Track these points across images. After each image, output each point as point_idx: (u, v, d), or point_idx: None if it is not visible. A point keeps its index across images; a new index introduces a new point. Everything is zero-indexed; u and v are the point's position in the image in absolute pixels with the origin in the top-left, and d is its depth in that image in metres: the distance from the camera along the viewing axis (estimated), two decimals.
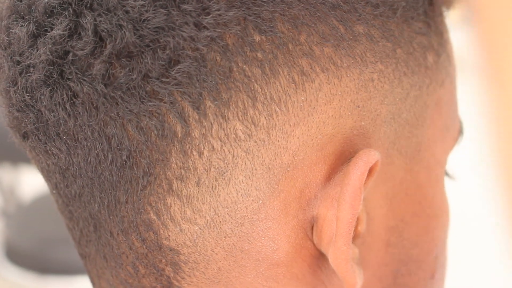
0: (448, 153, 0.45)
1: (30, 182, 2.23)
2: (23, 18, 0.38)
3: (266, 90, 0.36)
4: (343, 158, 0.38)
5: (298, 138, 0.37)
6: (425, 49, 0.41)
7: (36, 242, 1.92)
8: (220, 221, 0.37)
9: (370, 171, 0.38)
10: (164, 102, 0.35)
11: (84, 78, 0.36)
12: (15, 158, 1.96)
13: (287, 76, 0.36)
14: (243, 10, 0.35)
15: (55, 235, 1.84)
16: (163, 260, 0.39)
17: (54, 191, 0.41)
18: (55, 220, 1.68)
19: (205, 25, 0.35)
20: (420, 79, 0.41)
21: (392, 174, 0.41)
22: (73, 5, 0.36)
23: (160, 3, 0.35)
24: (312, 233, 0.38)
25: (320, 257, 0.39)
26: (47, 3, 0.37)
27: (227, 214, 0.37)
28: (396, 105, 0.40)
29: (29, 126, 0.39)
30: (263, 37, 0.36)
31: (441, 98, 0.43)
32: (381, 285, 0.42)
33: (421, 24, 0.41)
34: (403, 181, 0.41)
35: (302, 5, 0.36)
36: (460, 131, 0.46)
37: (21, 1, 0.39)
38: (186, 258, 0.38)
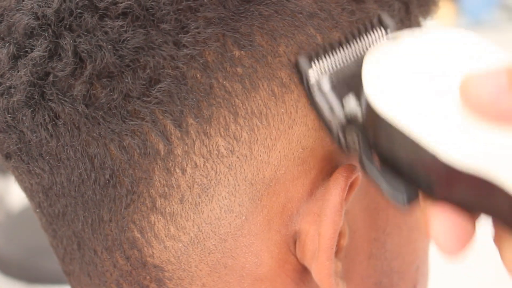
0: None
1: (19, 190, 2.22)
2: (3, 39, 0.38)
3: (247, 105, 0.36)
4: (324, 172, 0.38)
5: (279, 152, 0.37)
6: None
7: (24, 252, 1.91)
8: (203, 238, 0.37)
9: (351, 185, 0.38)
10: (146, 121, 0.36)
11: (65, 99, 0.36)
12: (3, 167, 1.96)
13: (267, 89, 0.36)
14: (222, 27, 0.36)
15: (43, 244, 1.82)
16: (148, 277, 0.39)
17: (37, 210, 0.41)
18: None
19: (184, 43, 0.35)
20: None
21: (373, 187, 0.41)
22: (53, 26, 0.36)
23: (139, 23, 0.35)
24: (295, 248, 0.39)
25: (303, 272, 0.39)
26: (27, 24, 0.37)
27: (211, 230, 0.37)
28: None
29: (11, 146, 0.39)
30: (242, 52, 0.36)
31: None
32: None
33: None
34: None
35: (280, 16, 0.37)
36: None
37: (0, 23, 0.39)
38: (170, 274, 0.38)
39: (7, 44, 0.38)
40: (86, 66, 0.36)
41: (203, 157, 0.36)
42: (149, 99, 0.35)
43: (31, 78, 0.36)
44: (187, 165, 0.36)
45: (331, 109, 0.36)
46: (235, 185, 0.37)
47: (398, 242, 0.43)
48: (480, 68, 0.32)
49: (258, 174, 0.37)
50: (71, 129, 0.36)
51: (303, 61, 0.37)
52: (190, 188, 0.37)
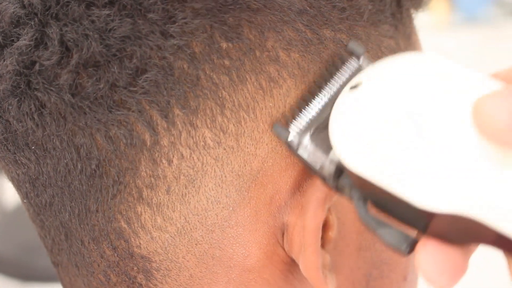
0: None
1: (14, 189, 2.22)
2: None
3: (234, 97, 0.36)
4: None
5: (267, 144, 0.37)
6: (393, 52, 0.41)
7: (19, 250, 1.91)
8: (190, 229, 0.37)
9: None
10: (132, 111, 0.35)
11: (51, 88, 0.36)
12: None
13: (255, 83, 0.36)
14: (209, 18, 0.35)
15: (38, 242, 1.83)
16: (135, 268, 0.39)
17: (25, 200, 0.41)
18: None
19: (172, 33, 0.35)
20: None
21: None
22: (39, 15, 0.36)
23: (126, 12, 0.35)
24: (283, 240, 0.39)
25: (291, 263, 0.39)
26: (13, 13, 0.37)
27: (198, 221, 0.37)
28: None
29: None
30: (229, 44, 0.36)
31: None
32: None
33: (388, 27, 0.41)
34: None
35: (269, 10, 0.36)
36: None
37: None
38: (157, 265, 0.38)
39: None
40: (72, 55, 0.35)
41: (190, 148, 0.36)
42: (135, 89, 0.35)
43: (17, 67, 0.36)
44: (173, 156, 0.36)
45: (322, 166, 0.36)
46: (222, 177, 0.37)
47: None
48: (459, 108, 0.31)
49: (245, 166, 0.37)
50: (57, 118, 0.36)
51: (278, 129, 0.36)
52: (177, 179, 0.36)
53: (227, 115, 0.36)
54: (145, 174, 0.36)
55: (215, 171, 0.36)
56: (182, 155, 0.36)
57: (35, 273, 1.85)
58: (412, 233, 0.34)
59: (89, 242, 0.39)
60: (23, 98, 0.37)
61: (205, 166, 0.36)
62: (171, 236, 0.37)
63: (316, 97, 0.37)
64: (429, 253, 0.32)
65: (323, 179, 0.36)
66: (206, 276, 0.38)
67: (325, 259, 0.39)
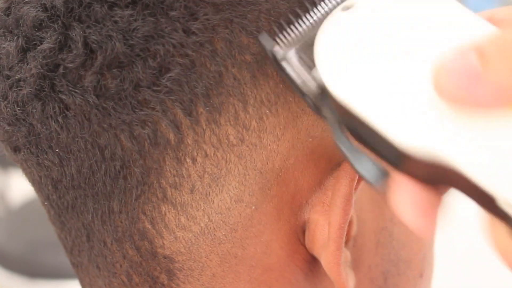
0: None
1: (20, 186, 2.22)
2: (11, 32, 0.38)
3: (255, 93, 0.36)
4: (333, 162, 0.38)
5: (288, 141, 0.37)
6: None
7: (25, 247, 1.92)
8: (214, 228, 0.37)
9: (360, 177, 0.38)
10: (156, 111, 0.36)
11: (76, 90, 0.36)
12: (4, 162, 1.96)
13: (276, 77, 0.37)
14: (230, 13, 0.36)
15: (44, 239, 1.83)
16: (158, 268, 0.39)
17: (46, 203, 0.41)
18: (45, 224, 1.67)
19: (194, 30, 0.35)
20: None
21: None
22: (62, 18, 0.36)
23: (149, 11, 0.35)
24: (304, 238, 0.39)
25: (312, 262, 0.40)
26: (35, 16, 0.37)
27: (221, 220, 0.37)
28: None
29: (20, 139, 0.39)
30: (250, 39, 0.36)
31: None
32: (372, 286, 0.42)
33: None
34: None
35: (287, 4, 0.37)
36: None
37: (8, 16, 0.39)
38: (180, 265, 0.38)
39: (15, 37, 0.38)
40: (96, 57, 0.36)
41: (213, 146, 0.36)
42: (159, 88, 0.35)
43: (41, 70, 0.36)
44: (197, 155, 0.36)
45: (304, 82, 0.35)
46: (245, 175, 0.37)
47: (405, 231, 0.43)
48: (445, 47, 0.30)
49: (267, 163, 0.37)
50: (82, 120, 0.36)
51: (265, 39, 0.36)
52: (201, 178, 0.37)
53: (250, 112, 0.36)
54: (169, 173, 0.37)
55: (238, 169, 0.37)
56: (206, 153, 0.36)
57: (41, 270, 1.86)
58: (386, 167, 0.33)
59: (111, 243, 0.39)
60: (47, 101, 0.37)
61: (229, 164, 0.37)
62: (194, 236, 0.38)
63: (307, 12, 0.36)
64: (403, 189, 0.31)
65: (302, 95, 0.35)
66: (229, 275, 0.39)
67: (346, 256, 0.39)
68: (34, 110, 0.37)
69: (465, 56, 0.28)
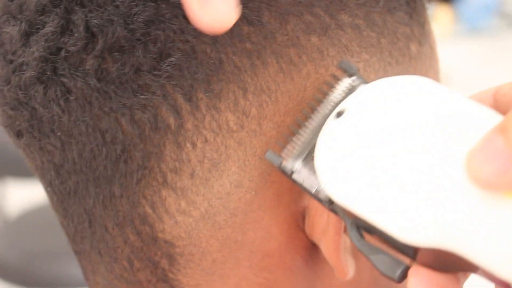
0: None
1: (16, 196, 2.22)
2: (14, 17, 0.38)
3: (256, 81, 0.37)
4: None
5: (288, 128, 0.37)
6: (408, 39, 0.41)
7: (23, 257, 1.91)
8: (214, 213, 0.38)
9: None
10: (157, 95, 0.36)
11: (77, 73, 0.36)
12: (0, 172, 1.96)
13: (276, 66, 0.37)
14: None
15: (42, 249, 1.83)
16: (159, 253, 0.39)
17: (48, 188, 0.42)
18: (42, 235, 1.67)
19: None
20: (404, 68, 0.41)
21: None
22: (64, 2, 0.37)
23: None
24: (304, 224, 0.39)
25: (312, 248, 0.40)
26: (38, 1, 0.37)
27: (221, 205, 0.37)
28: None
29: (23, 124, 0.39)
30: (251, 28, 0.36)
31: None
32: (372, 275, 0.42)
33: (403, 14, 0.41)
34: None
35: None
36: None
37: (12, 1, 0.39)
38: (181, 250, 0.39)
39: (18, 22, 0.38)
40: (97, 41, 0.36)
41: (213, 132, 0.37)
42: (159, 73, 0.36)
43: (43, 53, 0.37)
44: (197, 140, 0.37)
45: (317, 191, 0.36)
46: (244, 160, 0.37)
47: None
48: (440, 143, 0.31)
49: (267, 149, 0.37)
50: (83, 104, 0.37)
51: (271, 156, 0.36)
52: (201, 163, 0.37)
53: (249, 99, 0.37)
54: (169, 158, 0.37)
55: (238, 154, 0.37)
56: (206, 138, 0.37)
57: (38, 281, 1.85)
58: (405, 259, 0.34)
59: (113, 228, 0.39)
60: (49, 85, 0.37)
61: (229, 150, 0.37)
62: (194, 221, 0.38)
63: (308, 120, 0.37)
64: (420, 281, 0.32)
65: (320, 202, 0.36)
66: (229, 260, 0.39)
67: (345, 242, 0.39)
68: (37, 94, 0.38)
69: (490, 139, 0.29)
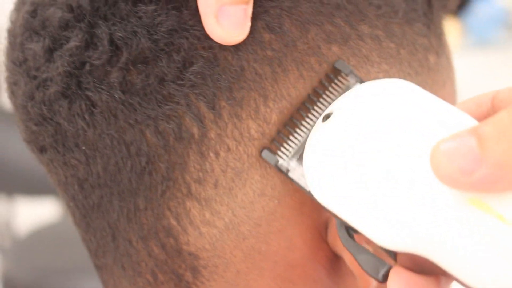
0: None
1: (26, 215, 2.22)
2: (37, 34, 0.39)
3: (276, 88, 0.37)
4: None
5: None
6: (426, 50, 0.42)
7: (33, 275, 1.91)
8: (238, 223, 0.38)
9: None
10: (181, 105, 0.36)
11: (102, 86, 0.37)
12: (10, 189, 1.96)
13: (296, 73, 0.37)
14: (253, 7, 0.36)
15: (52, 267, 1.83)
16: (183, 265, 0.39)
17: (71, 204, 0.42)
18: (52, 253, 1.67)
19: None
20: (423, 79, 0.41)
21: None
22: (88, 17, 0.37)
23: (172, 5, 0.36)
24: (326, 235, 0.39)
25: (334, 259, 0.40)
26: (61, 17, 0.38)
27: (245, 214, 0.38)
28: None
29: (47, 139, 0.39)
30: (272, 35, 0.37)
31: (444, 99, 0.43)
32: None
33: (421, 25, 0.42)
34: None
35: (308, 4, 0.37)
36: None
37: (34, 18, 0.39)
38: (205, 262, 0.39)
39: (42, 38, 0.38)
40: (122, 53, 0.36)
41: (235, 140, 0.37)
42: (183, 82, 0.36)
43: (68, 68, 0.37)
44: (220, 149, 0.37)
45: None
46: (266, 168, 0.37)
47: None
48: (419, 145, 0.32)
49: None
50: (108, 116, 0.37)
51: (267, 155, 0.37)
52: (224, 172, 0.37)
53: (270, 106, 0.37)
54: (193, 168, 0.37)
55: (260, 162, 0.37)
56: (228, 147, 0.37)
57: None
58: (385, 259, 0.34)
59: (137, 241, 0.39)
60: (74, 99, 0.37)
61: (251, 158, 0.37)
62: (219, 231, 0.38)
63: (304, 120, 0.37)
64: (399, 281, 0.32)
65: (315, 200, 0.36)
66: (253, 271, 0.39)
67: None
68: (61, 109, 0.38)
69: (462, 137, 0.28)
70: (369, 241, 0.34)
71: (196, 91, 0.36)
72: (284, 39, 0.37)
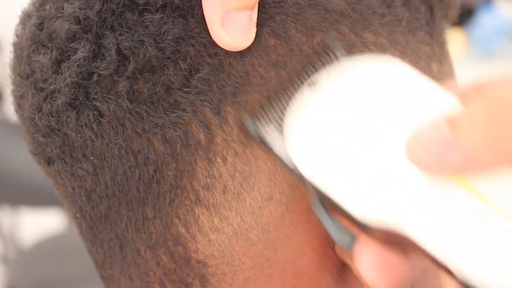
0: None
1: (30, 226, 2.22)
2: (44, 46, 0.39)
3: (282, 92, 0.37)
4: None
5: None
6: (430, 59, 0.42)
7: (38, 286, 1.91)
8: (246, 228, 0.38)
9: None
10: (187, 112, 0.36)
11: (110, 96, 0.37)
12: (14, 201, 1.97)
13: (301, 78, 0.37)
14: (259, 13, 0.36)
15: (56, 278, 1.83)
16: (191, 274, 0.39)
17: (78, 215, 0.42)
18: (57, 264, 1.67)
19: None
20: None
21: None
22: (95, 28, 0.37)
23: (178, 13, 0.36)
24: (334, 242, 0.39)
25: (341, 267, 0.40)
26: (68, 29, 0.38)
27: (253, 220, 0.38)
28: None
29: (54, 150, 0.39)
30: (277, 40, 0.37)
31: None
32: None
33: (424, 34, 0.42)
34: None
35: (313, 11, 0.37)
36: None
37: (41, 30, 0.40)
38: (213, 270, 0.39)
39: (49, 50, 0.39)
40: (129, 62, 0.36)
41: (242, 143, 0.37)
42: (189, 89, 0.36)
43: (76, 79, 0.37)
44: (227, 153, 0.37)
45: (287, 158, 0.36)
46: (274, 172, 0.37)
47: None
48: (404, 123, 0.32)
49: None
50: (116, 126, 0.37)
51: (247, 121, 0.37)
52: (232, 177, 0.37)
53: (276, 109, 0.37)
54: (201, 175, 0.37)
55: (267, 165, 0.37)
56: (235, 151, 0.37)
57: None
58: (355, 231, 0.35)
59: (145, 251, 0.39)
60: (82, 110, 0.37)
61: (258, 161, 0.37)
62: (227, 238, 0.38)
63: (287, 91, 0.37)
64: (368, 252, 0.33)
65: (288, 169, 0.36)
66: (261, 279, 0.39)
67: None
68: (69, 120, 0.38)
69: (437, 126, 0.30)
70: (342, 216, 0.34)
71: (202, 98, 0.36)
72: (289, 44, 0.37)
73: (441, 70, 0.43)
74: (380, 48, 0.39)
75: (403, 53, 0.40)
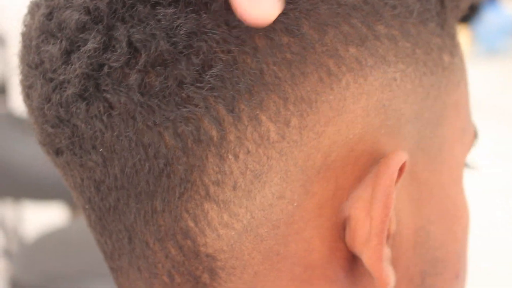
0: (466, 156, 0.46)
1: (33, 220, 2.23)
2: (53, 36, 0.39)
3: (296, 91, 0.37)
4: (372, 159, 0.39)
5: (329, 138, 0.37)
6: (441, 50, 0.42)
7: (41, 280, 1.91)
8: (256, 225, 0.38)
9: (399, 171, 0.39)
10: (199, 107, 0.36)
11: (120, 89, 0.37)
12: (17, 194, 1.97)
13: (315, 76, 0.37)
14: None
15: (59, 272, 1.83)
16: (200, 267, 0.39)
17: (86, 206, 0.42)
18: (60, 258, 1.68)
19: (236, 24, 0.36)
20: (438, 79, 0.41)
21: (417, 175, 0.41)
22: (105, 19, 0.37)
23: (191, 8, 0.36)
24: (344, 235, 0.39)
25: (352, 260, 0.40)
26: (78, 19, 0.38)
27: (263, 217, 0.38)
28: (418, 105, 0.40)
29: (63, 141, 0.39)
30: (290, 38, 0.37)
31: (459, 99, 0.44)
32: (411, 285, 0.42)
33: (435, 25, 0.42)
34: (427, 181, 0.42)
35: (325, 6, 0.37)
36: (475, 135, 0.47)
37: (50, 20, 0.39)
38: (223, 264, 0.39)
39: (58, 41, 0.38)
40: (140, 55, 0.36)
41: (255, 143, 0.37)
42: (202, 85, 0.36)
43: (86, 70, 0.37)
44: (239, 151, 0.37)
45: None
46: (286, 171, 0.37)
47: (442, 231, 0.43)
48: None
49: (308, 160, 0.37)
50: (126, 118, 0.37)
51: None
52: (243, 175, 0.37)
53: (290, 109, 0.37)
54: (212, 170, 0.37)
55: (279, 165, 0.37)
56: (248, 150, 0.37)
57: None
58: None
59: (154, 243, 0.39)
60: (91, 101, 0.37)
61: (270, 161, 0.37)
62: (237, 233, 0.38)
63: None
64: None
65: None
66: (271, 273, 0.39)
67: (387, 253, 0.39)
68: (79, 111, 0.38)
69: None
70: None
71: (215, 94, 0.36)
72: (302, 42, 0.37)
73: (453, 62, 0.43)
74: (392, 40, 0.39)
75: (415, 45, 0.40)
